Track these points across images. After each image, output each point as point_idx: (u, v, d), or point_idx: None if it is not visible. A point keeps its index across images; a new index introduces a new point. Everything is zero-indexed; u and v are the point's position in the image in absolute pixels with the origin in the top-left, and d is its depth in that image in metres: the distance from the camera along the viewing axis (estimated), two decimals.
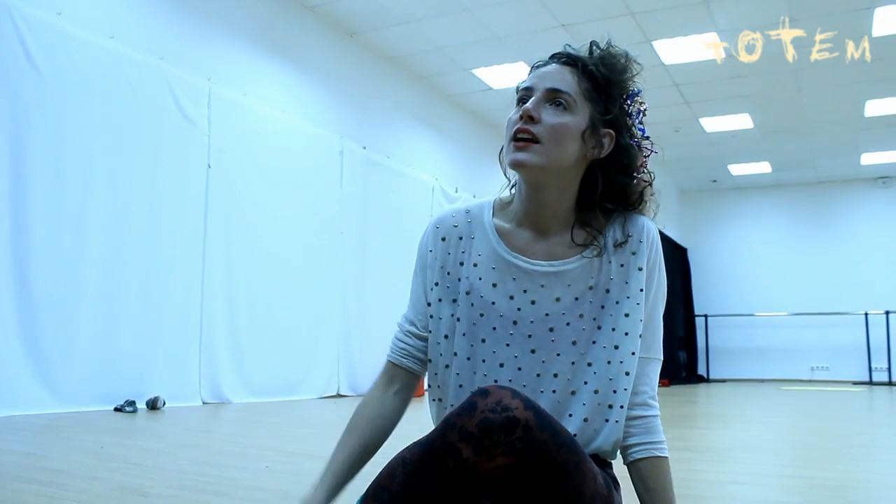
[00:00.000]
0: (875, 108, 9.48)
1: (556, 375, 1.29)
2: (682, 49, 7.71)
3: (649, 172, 1.36)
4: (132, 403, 4.81)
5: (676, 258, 13.90)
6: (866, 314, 12.73)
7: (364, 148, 7.67)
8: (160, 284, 5.32)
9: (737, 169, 13.00)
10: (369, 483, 1.15)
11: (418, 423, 1.41)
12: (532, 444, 1.02)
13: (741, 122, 10.21)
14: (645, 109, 1.35)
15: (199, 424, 4.38)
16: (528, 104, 1.25)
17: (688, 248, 14.56)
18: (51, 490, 2.14)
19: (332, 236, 7.12)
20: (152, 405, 4.99)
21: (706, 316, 14.15)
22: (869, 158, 12.13)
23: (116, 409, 4.78)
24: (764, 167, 12.80)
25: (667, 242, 12.89)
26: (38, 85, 4.63)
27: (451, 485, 1.04)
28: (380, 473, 1.14)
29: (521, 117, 1.25)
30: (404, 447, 1.14)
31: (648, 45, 7.56)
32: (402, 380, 1.39)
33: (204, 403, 5.56)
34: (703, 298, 14.35)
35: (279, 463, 2.81)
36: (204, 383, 5.62)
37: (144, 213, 5.25)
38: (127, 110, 5.17)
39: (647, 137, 1.36)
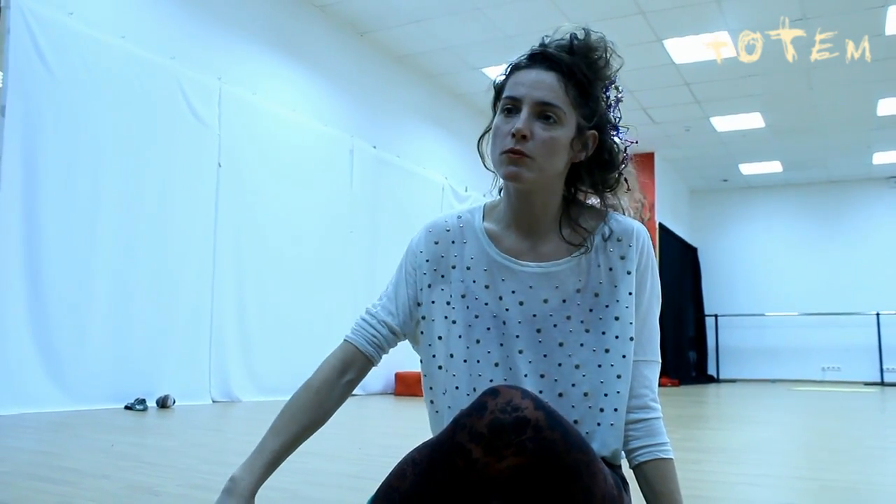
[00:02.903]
0: (887, 107, 9.42)
1: (542, 376, 1.29)
2: (693, 48, 7.68)
3: (625, 147, 1.35)
4: (143, 402, 4.84)
5: (686, 257, 13.86)
6: (878, 314, 12.66)
7: (374, 147, 7.68)
8: (171, 283, 5.34)
9: (748, 168, 12.95)
10: (379, 484, 1.15)
11: (426, 423, 1.41)
12: (542, 444, 1.01)
13: (752, 121, 10.17)
14: (621, 96, 1.35)
15: (209, 423, 4.40)
16: (519, 124, 1.24)
17: (698, 248, 14.51)
18: (62, 488, 2.16)
19: (343, 235, 7.13)
20: (162, 403, 5.01)
21: (716, 316, 14.10)
22: (881, 158, 12.06)
23: (127, 408, 4.80)
24: (775, 166, 12.74)
25: (677, 242, 12.86)
26: (50, 84, 4.65)
27: (461, 485, 1.03)
28: (390, 474, 1.14)
29: (514, 135, 1.24)
30: (414, 447, 1.14)
31: (659, 44, 7.54)
32: (358, 368, 1.37)
33: (214, 402, 5.58)
34: (714, 298, 14.30)
35: (288, 462, 2.80)
36: (214, 382, 5.64)
37: (155, 212, 5.28)
38: (138, 110, 5.20)
39: (623, 126, 1.36)
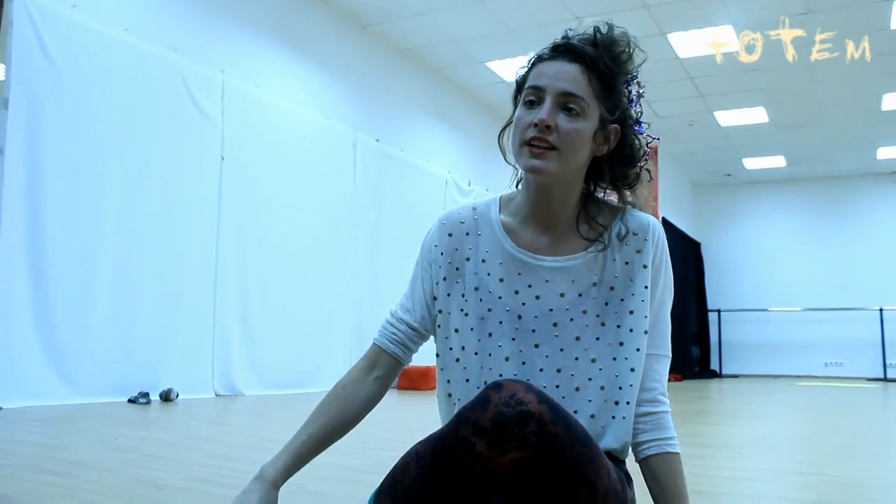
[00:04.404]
0: (892, 101, 9.39)
1: (559, 371, 1.29)
2: (697, 42, 7.65)
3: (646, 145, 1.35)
4: (146, 395, 4.85)
5: (690, 252, 13.84)
6: (881, 310, 12.64)
7: (377, 141, 7.67)
8: (174, 277, 5.35)
9: (751, 163, 12.92)
10: (383, 477, 1.15)
11: (433, 417, 1.41)
12: (546, 438, 1.01)
13: (756, 115, 10.14)
14: (643, 91, 1.35)
15: (213, 417, 4.40)
16: (542, 113, 1.23)
17: (701, 243, 14.49)
18: (66, 481, 2.16)
19: (345, 229, 7.13)
20: (166, 397, 5.02)
21: (719, 311, 14.09)
22: (885, 153, 12.02)
23: (130, 401, 4.81)
24: (779, 161, 12.71)
25: (680, 236, 12.84)
26: (53, 77, 4.65)
27: (465, 479, 1.03)
28: (394, 468, 1.14)
29: (537, 125, 1.23)
30: (418, 441, 1.14)
31: (663, 38, 7.51)
32: (385, 366, 1.40)
33: (217, 396, 5.59)
34: (717, 293, 14.29)
35: None
36: (217, 375, 5.64)
37: (158, 205, 5.28)
38: (141, 103, 5.19)
39: (643, 122, 1.35)
